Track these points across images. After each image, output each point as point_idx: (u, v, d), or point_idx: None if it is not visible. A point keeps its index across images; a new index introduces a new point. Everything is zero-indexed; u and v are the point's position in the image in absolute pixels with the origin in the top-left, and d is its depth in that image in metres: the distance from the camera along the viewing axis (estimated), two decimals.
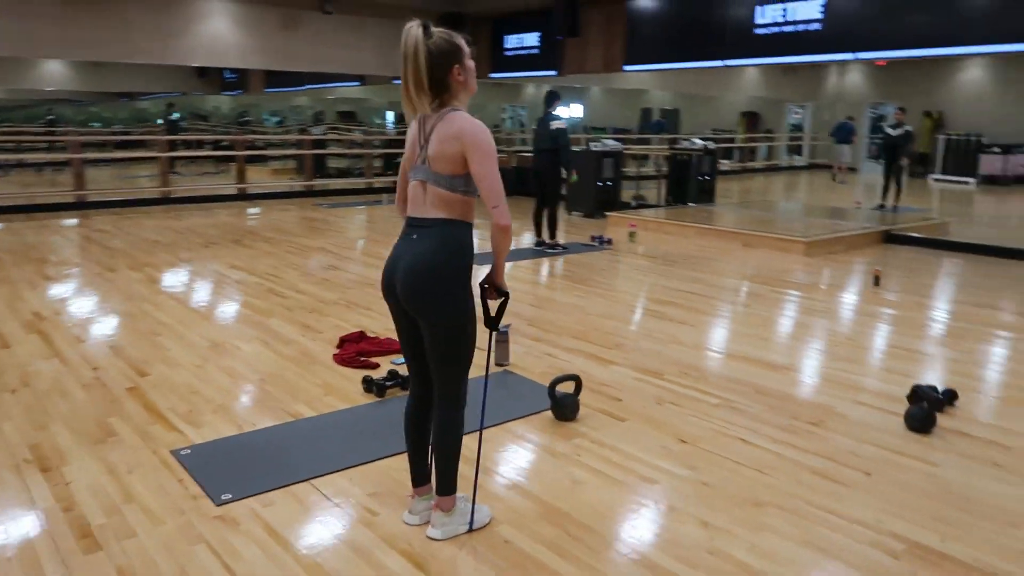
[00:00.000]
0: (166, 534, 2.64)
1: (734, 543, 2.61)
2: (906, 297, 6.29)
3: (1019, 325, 5.52)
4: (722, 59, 10.25)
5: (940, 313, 5.84)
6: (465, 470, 2.78)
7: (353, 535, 2.65)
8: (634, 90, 22.44)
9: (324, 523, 2.72)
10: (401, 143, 17.14)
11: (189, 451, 3.28)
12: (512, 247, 8.16)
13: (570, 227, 9.63)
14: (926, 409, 3.54)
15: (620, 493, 2.95)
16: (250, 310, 5.59)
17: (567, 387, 3.69)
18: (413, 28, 2.34)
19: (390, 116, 27.09)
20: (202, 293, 6.12)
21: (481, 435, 2.75)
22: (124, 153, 18.54)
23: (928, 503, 2.90)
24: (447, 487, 2.61)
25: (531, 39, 12.98)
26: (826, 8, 9.13)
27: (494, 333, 2.67)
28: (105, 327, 5.14)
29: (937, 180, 18.36)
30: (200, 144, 21.37)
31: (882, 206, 11.71)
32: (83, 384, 4.07)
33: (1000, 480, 3.11)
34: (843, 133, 17.13)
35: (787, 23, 9.46)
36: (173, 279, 6.62)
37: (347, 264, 7.38)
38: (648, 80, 18.44)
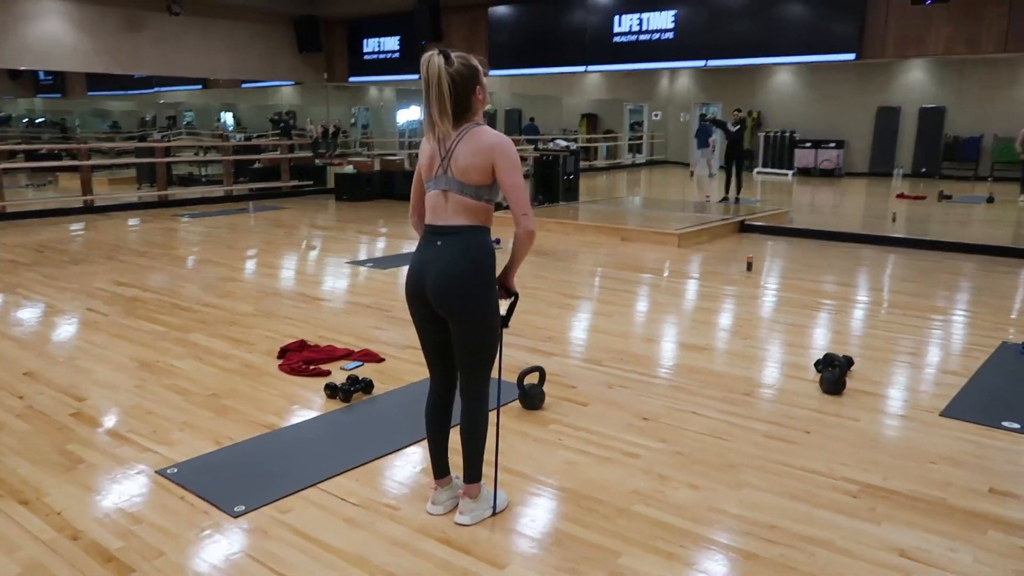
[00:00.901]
0: (195, 549, 2.64)
1: (725, 500, 2.98)
2: (775, 279, 7.06)
3: (872, 298, 6.38)
4: (583, 64, 10.85)
5: (807, 291, 6.62)
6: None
7: (386, 530, 2.77)
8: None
9: (352, 522, 2.81)
10: (251, 149, 16.58)
11: (176, 469, 3.23)
12: (407, 251, 8.29)
13: None
14: (837, 374, 4.12)
15: (612, 468, 3.25)
16: (164, 327, 5.39)
17: (531, 378, 3.94)
18: (434, 57, 2.50)
19: (228, 119, 25.87)
20: (102, 312, 5.80)
21: (498, 423, 2.94)
22: None
23: (861, 451, 3.42)
24: (475, 475, 2.80)
25: (391, 43, 13.06)
26: (677, 19, 9.94)
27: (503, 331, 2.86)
28: (8, 354, 4.79)
29: (760, 173, 20.21)
30: (12, 155, 19.50)
31: (725, 199, 12.81)
32: (16, 414, 3.83)
33: (907, 428, 3.71)
34: (704, 135, 18.41)
35: (643, 32, 10.19)
36: (59, 299, 6.20)
37: (244, 275, 7.20)
38: (492, 82, 18.93)
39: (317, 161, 15.18)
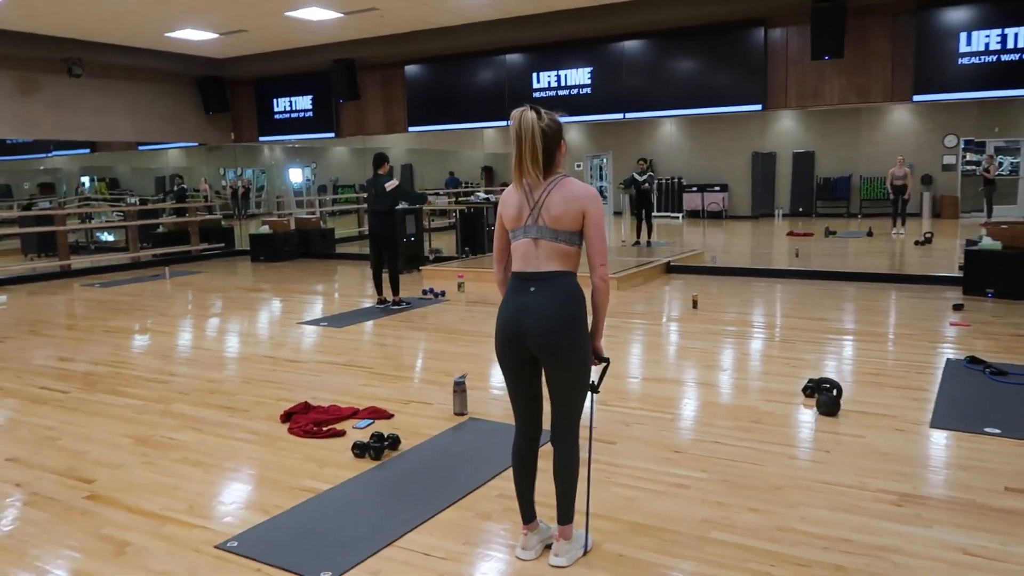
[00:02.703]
0: None
1: (787, 519, 3.17)
2: (721, 315, 7.47)
3: (815, 327, 6.87)
4: (504, 120, 11.18)
5: (754, 324, 7.06)
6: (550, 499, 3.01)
7: None
8: (372, 148, 22.92)
9: None
10: (152, 213, 15.79)
11: (236, 543, 3.10)
12: (354, 309, 8.22)
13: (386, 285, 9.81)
14: (834, 397, 4.45)
15: (670, 500, 3.38)
16: (139, 400, 5.12)
17: None
18: (527, 112, 2.66)
19: (86, 182, 24.41)
20: (59, 389, 5.43)
21: (590, 462, 3.03)
22: None
23: (880, 464, 3.72)
24: (568, 516, 2.86)
25: (303, 102, 12.98)
26: (593, 75, 10.48)
27: (595, 396, 2.94)
28: None
29: (655, 216, 21.20)
30: None
31: (638, 243, 13.41)
32: (25, 502, 3.57)
33: (908, 440, 4.05)
34: (629, 183, 19.03)
35: (561, 87, 10.66)
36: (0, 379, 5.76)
37: (195, 342, 6.92)
38: (390, 137, 19.04)
39: (223, 223, 14.75)
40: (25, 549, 3.11)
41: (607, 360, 2.90)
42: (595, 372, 2.89)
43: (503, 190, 2.91)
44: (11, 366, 6.18)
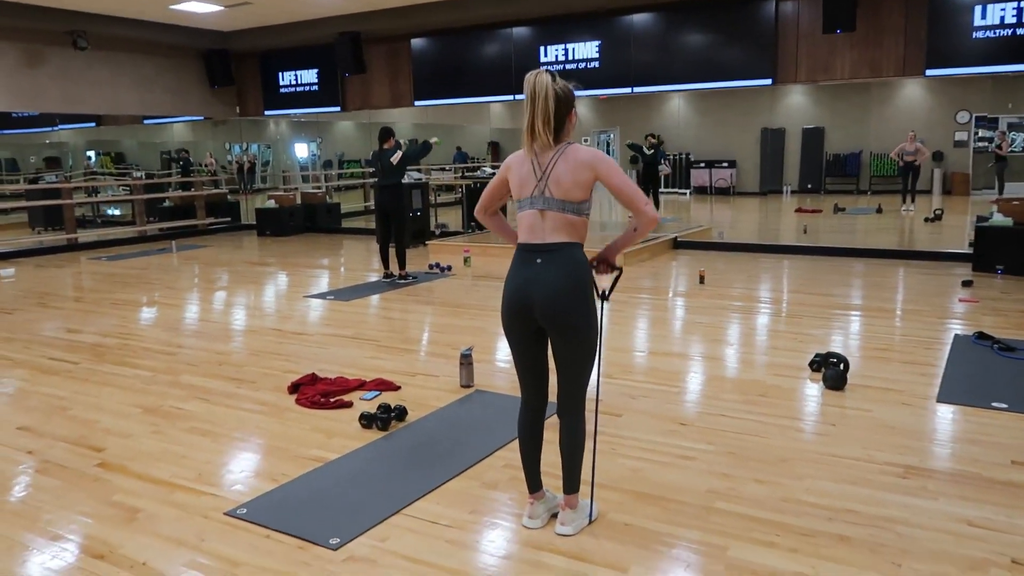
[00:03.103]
0: None
1: (792, 490, 3.18)
2: (728, 290, 7.45)
3: (821, 302, 6.85)
4: (511, 94, 11.10)
5: (760, 300, 7.04)
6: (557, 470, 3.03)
7: (494, 548, 2.80)
8: (378, 122, 22.79)
9: (457, 543, 2.83)
10: (159, 187, 15.82)
11: (245, 510, 3.13)
12: (361, 283, 8.22)
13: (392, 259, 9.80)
14: (841, 371, 4.44)
15: (676, 471, 3.40)
16: (147, 371, 5.15)
17: None
18: (542, 74, 2.64)
19: (92, 156, 24.39)
20: (69, 360, 5.46)
21: (596, 434, 3.04)
22: None
23: (887, 437, 3.72)
24: (574, 486, 2.88)
25: (309, 76, 12.90)
26: (601, 49, 10.37)
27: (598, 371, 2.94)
28: None
29: (662, 192, 21.11)
30: None
31: None
32: (37, 469, 3.60)
33: (915, 414, 4.05)
34: (637, 149, 18.94)
35: (569, 61, 10.56)
36: (9, 350, 5.79)
37: (202, 315, 6.95)
38: (396, 111, 18.91)
39: (229, 197, 14.74)
40: (38, 515, 3.15)
41: (620, 269, 2.90)
42: (607, 280, 2.88)
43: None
44: (20, 337, 6.21)
